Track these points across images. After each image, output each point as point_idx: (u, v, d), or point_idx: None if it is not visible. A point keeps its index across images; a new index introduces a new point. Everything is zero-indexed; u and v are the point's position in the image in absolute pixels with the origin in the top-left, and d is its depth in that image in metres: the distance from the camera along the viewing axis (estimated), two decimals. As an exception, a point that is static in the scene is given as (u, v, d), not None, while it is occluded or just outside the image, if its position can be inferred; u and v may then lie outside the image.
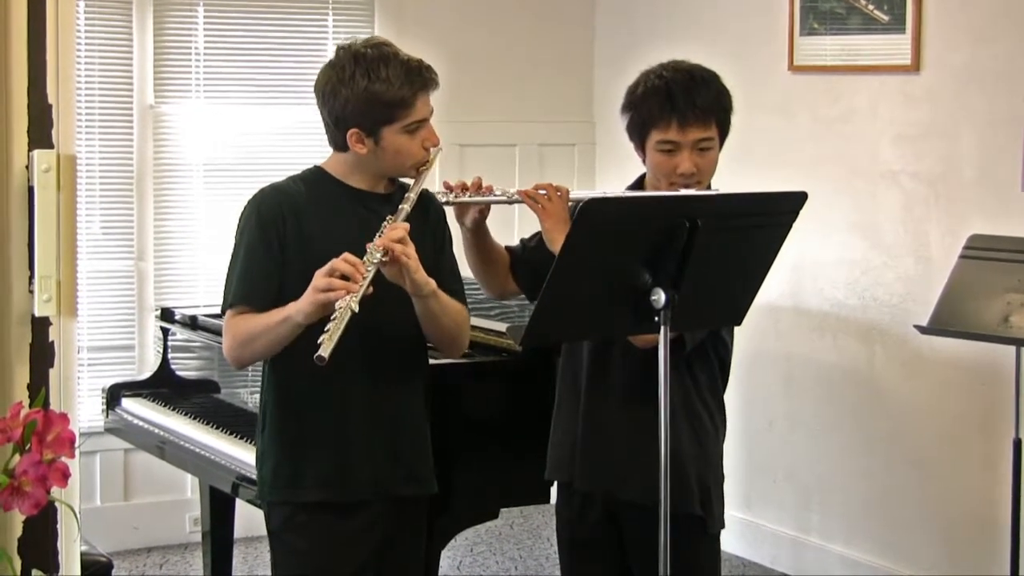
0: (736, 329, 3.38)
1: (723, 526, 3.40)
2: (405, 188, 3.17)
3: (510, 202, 3.34)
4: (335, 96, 3.08)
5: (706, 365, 3.34)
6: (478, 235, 3.41)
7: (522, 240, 3.52)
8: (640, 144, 3.32)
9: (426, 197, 3.21)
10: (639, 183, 3.41)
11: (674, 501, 3.15)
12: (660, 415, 2.90)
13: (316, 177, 3.20)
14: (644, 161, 3.35)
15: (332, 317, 2.88)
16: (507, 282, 3.48)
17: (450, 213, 3.39)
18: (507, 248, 3.49)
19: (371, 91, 3.04)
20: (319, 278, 2.93)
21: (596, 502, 3.38)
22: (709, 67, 3.35)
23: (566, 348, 3.47)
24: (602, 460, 3.33)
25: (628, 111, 3.33)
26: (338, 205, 3.16)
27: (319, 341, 2.85)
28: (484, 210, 3.37)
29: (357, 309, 2.87)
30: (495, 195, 3.34)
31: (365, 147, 3.10)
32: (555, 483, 3.57)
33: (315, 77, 3.16)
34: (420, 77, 3.09)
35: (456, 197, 3.33)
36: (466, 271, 3.42)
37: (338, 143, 3.15)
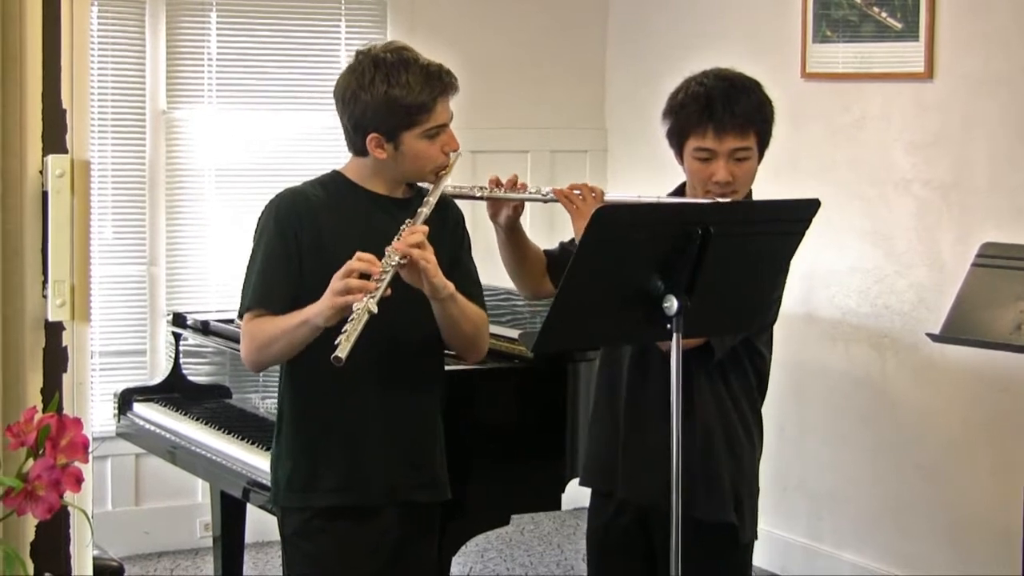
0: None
1: (755, 537, 3.40)
2: (423, 193, 3.18)
3: (544, 200, 3.32)
4: (355, 101, 3.08)
5: (741, 376, 3.32)
6: (512, 234, 3.39)
7: (561, 243, 3.50)
8: (678, 151, 3.30)
9: (444, 201, 3.20)
10: (680, 191, 3.38)
11: (707, 509, 3.15)
12: (672, 422, 2.90)
13: (334, 182, 3.20)
14: (683, 168, 3.32)
15: (350, 318, 2.88)
16: (543, 283, 3.45)
17: (480, 213, 3.38)
18: (545, 251, 3.47)
19: (391, 96, 3.04)
20: (336, 281, 2.93)
21: (628, 509, 3.38)
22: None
23: (603, 357, 3.46)
24: (642, 472, 3.30)
25: (668, 117, 3.30)
26: (356, 210, 3.16)
27: (336, 342, 2.85)
28: (518, 208, 3.35)
29: (376, 310, 2.87)
30: (530, 193, 3.33)
31: (385, 152, 3.10)
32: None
33: (328, 83, 3.18)
34: (440, 82, 3.09)
35: (491, 193, 3.32)
36: (487, 278, 3.41)
37: (357, 148, 3.15)
